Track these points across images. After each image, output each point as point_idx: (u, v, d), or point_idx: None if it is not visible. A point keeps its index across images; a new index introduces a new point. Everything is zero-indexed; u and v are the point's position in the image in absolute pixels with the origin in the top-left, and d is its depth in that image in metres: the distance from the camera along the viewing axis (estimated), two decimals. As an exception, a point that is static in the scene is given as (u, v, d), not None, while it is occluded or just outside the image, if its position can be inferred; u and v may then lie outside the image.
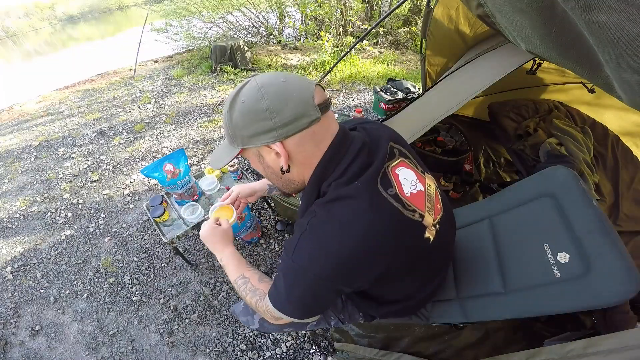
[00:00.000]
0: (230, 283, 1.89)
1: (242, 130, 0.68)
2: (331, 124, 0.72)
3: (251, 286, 0.88)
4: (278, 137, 0.66)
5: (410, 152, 0.84)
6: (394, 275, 0.78)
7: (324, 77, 3.05)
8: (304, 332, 1.68)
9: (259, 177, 2.23)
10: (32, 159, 3.13)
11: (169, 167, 1.68)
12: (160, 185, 2.06)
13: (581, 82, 2.27)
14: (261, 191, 1.20)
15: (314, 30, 5.73)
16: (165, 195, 1.86)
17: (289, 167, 0.71)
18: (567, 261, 0.85)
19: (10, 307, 1.89)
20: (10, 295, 1.95)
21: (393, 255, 0.70)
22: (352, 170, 0.70)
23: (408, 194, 0.73)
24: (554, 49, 0.80)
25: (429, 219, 0.75)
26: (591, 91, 2.12)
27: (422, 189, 0.77)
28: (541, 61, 1.96)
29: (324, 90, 0.75)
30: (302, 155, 0.71)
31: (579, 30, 0.66)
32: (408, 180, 0.75)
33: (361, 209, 0.66)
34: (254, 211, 2.31)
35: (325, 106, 0.69)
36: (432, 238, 0.76)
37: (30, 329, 1.78)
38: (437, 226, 0.79)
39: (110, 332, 1.73)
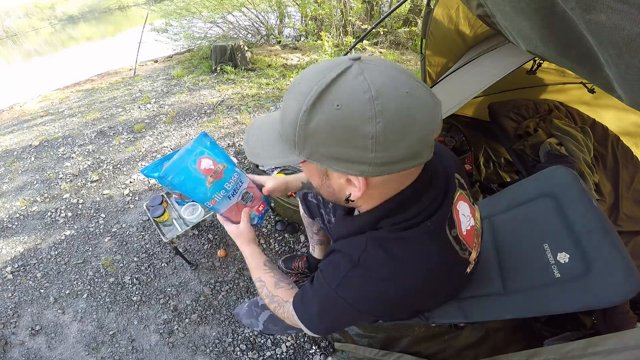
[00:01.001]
0: (230, 283, 1.89)
1: (320, 146, 0.49)
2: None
3: (267, 292, 0.85)
4: (366, 173, 0.49)
5: (465, 181, 0.76)
6: (435, 302, 0.77)
7: (324, 77, 3.04)
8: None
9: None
10: (32, 158, 3.13)
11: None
12: (160, 185, 2.06)
13: (581, 82, 2.27)
14: (294, 188, 1.10)
15: (314, 30, 5.73)
16: (165, 195, 1.86)
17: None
18: (567, 261, 0.85)
19: (10, 307, 1.89)
20: (10, 295, 1.95)
21: (437, 292, 0.68)
22: (422, 215, 0.60)
23: (464, 232, 0.66)
24: (554, 49, 0.80)
25: (473, 256, 0.71)
26: (591, 91, 2.12)
27: (474, 224, 0.71)
28: (541, 61, 1.96)
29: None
30: (377, 192, 0.58)
31: (579, 30, 0.66)
32: (465, 216, 0.68)
33: (425, 253, 0.59)
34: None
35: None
36: (469, 271, 0.72)
37: (30, 329, 1.78)
38: (477, 259, 0.76)
39: (110, 332, 1.73)
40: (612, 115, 2.23)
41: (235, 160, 2.03)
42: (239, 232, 0.94)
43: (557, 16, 0.70)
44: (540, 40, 0.83)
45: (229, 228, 0.96)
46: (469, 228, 0.68)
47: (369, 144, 0.45)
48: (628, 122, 2.19)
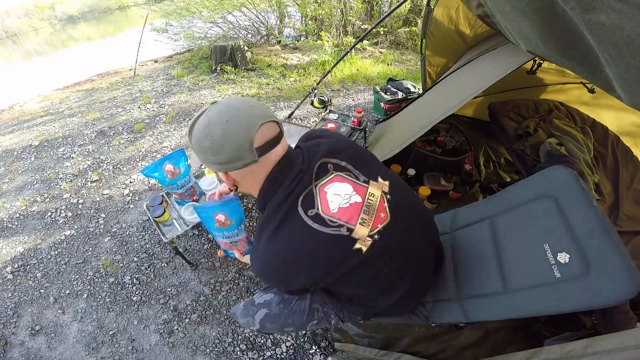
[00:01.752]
0: (230, 283, 1.89)
1: (197, 154, 0.79)
2: (271, 160, 0.78)
3: None
4: (220, 169, 0.78)
5: (355, 161, 0.88)
6: (339, 282, 0.86)
7: (324, 77, 3.04)
8: (304, 332, 1.68)
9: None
10: (32, 158, 3.13)
11: (169, 167, 1.68)
12: (160, 185, 2.06)
13: (581, 82, 2.27)
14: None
15: (314, 30, 5.73)
16: (165, 195, 1.86)
17: (235, 187, 0.87)
18: (567, 261, 0.85)
19: (10, 307, 1.89)
20: (10, 295, 1.95)
21: (313, 267, 0.78)
22: (284, 195, 0.79)
23: (335, 210, 0.78)
24: (554, 49, 0.80)
25: (361, 231, 0.79)
26: (591, 91, 2.12)
27: (360, 200, 0.81)
28: (541, 61, 1.96)
29: (278, 124, 0.80)
30: (245, 182, 0.83)
31: (579, 30, 0.66)
32: (340, 195, 0.80)
33: (283, 233, 0.78)
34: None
35: (268, 147, 0.76)
36: (364, 248, 0.79)
37: (30, 329, 1.78)
38: (376, 235, 0.81)
39: (110, 332, 1.73)
40: (612, 116, 2.23)
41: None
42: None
43: (557, 16, 0.70)
44: (541, 40, 0.83)
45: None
46: (346, 205, 0.79)
47: (209, 152, 0.74)
48: (627, 122, 2.20)
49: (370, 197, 0.83)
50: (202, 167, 1.94)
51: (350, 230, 0.78)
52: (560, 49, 0.79)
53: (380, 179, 0.88)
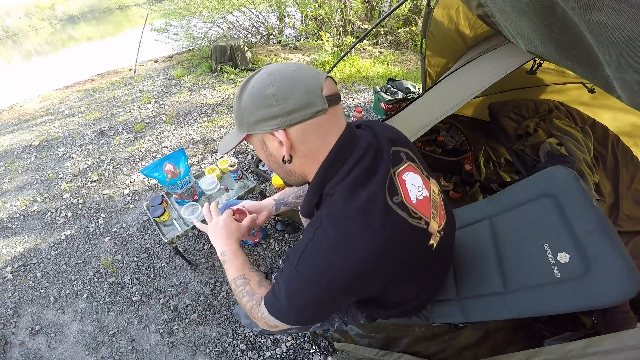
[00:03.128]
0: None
1: (249, 116, 0.68)
2: (339, 119, 0.71)
3: (250, 289, 0.85)
4: (281, 125, 0.66)
5: (417, 156, 0.83)
6: (398, 283, 0.77)
7: (324, 77, 3.05)
8: (304, 332, 1.68)
9: (259, 177, 2.23)
10: (32, 158, 3.13)
11: (169, 167, 1.68)
12: (160, 185, 2.06)
13: (581, 82, 2.27)
14: (269, 207, 1.16)
15: (314, 30, 5.73)
16: (165, 195, 1.86)
17: (290, 157, 0.71)
18: (567, 261, 0.85)
19: (10, 306, 1.89)
20: (10, 295, 1.95)
21: (398, 265, 0.69)
22: (357, 173, 0.69)
23: (414, 201, 0.71)
24: (554, 49, 0.80)
25: (434, 226, 0.74)
26: (591, 91, 2.12)
27: (428, 195, 0.76)
28: (541, 61, 1.96)
29: (336, 83, 0.73)
30: (305, 147, 0.70)
31: (579, 30, 0.66)
32: (415, 186, 0.74)
33: (369, 224, 0.64)
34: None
35: (334, 99, 0.68)
36: (435, 245, 0.75)
37: (30, 329, 1.78)
38: (441, 232, 0.78)
39: (110, 332, 1.73)
40: (611, 116, 2.23)
41: (235, 159, 2.03)
42: (238, 228, 0.99)
43: (557, 16, 0.69)
44: (541, 40, 0.83)
45: (213, 227, 0.98)
46: (421, 198, 0.73)
47: (272, 101, 0.64)
48: (626, 122, 2.19)
49: (433, 193, 0.79)
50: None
51: (427, 224, 0.72)
52: (560, 49, 0.78)
53: (431, 178, 0.84)
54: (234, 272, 0.89)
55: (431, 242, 0.74)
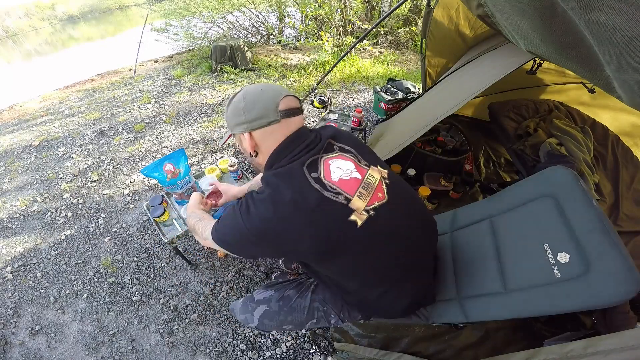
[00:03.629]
0: (230, 283, 1.89)
1: (230, 120, 0.95)
2: (291, 126, 0.91)
3: (192, 212, 1.22)
4: (247, 129, 0.90)
5: (358, 151, 0.96)
6: (317, 249, 0.83)
7: (324, 77, 3.04)
8: (304, 331, 1.68)
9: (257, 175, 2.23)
10: (32, 158, 3.13)
11: (169, 167, 1.68)
12: (160, 185, 2.06)
13: (581, 82, 2.27)
14: (238, 192, 1.49)
15: (314, 30, 5.73)
16: (165, 195, 1.86)
17: (256, 153, 0.95)
18: (567, 261, 0.85)
19: (10, 306, 1.89)
20: (10, 295, 1.95)
21: (311, 226, 0.80)
22: (293, 159, 0.88)
23: (336, 179, 0.85)
24: (554, 49, 0.80)
25: (357, 203, 0.83)
26: (591, 91, 2.12)
27: (359, 177, 0.88)
28: (541, 61, 1.96)
29: (299, 101, 0.96)
30: (264, 146, 0.93)
31: (579, 30, 0.66)
32: (342, 169, 0.88)
33: (284, 185, 0.82)
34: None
35: (289, 112, 0.90)
36: (359, 222, 0.82)
37: (30, 329, 1.78)
38: (372, 212, 0.85)
39: (110, 332, 1.73)
40: (611, 116, 2.23)
41: (235, 159, 2.03)
42: (192, 197, 1.34)
43: (557, 16, 0.70)
44: (541, 40, 0.83)
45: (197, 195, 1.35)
46: (346, 178, 0.86)
47: (242, 112, 0.90)
48: (626, 122, 2.19)
49: (369, 177, 0.90)
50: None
51: (348, 200, 0.83)
52: (560, 49, 0.79)
53: (379, 167, 0.96)
54: (189, 210, 1.26)
55: (353, 217, 0.82)
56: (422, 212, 1.06)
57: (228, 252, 0.96)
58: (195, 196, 1.34)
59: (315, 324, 1.18)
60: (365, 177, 0.90)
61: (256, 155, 0.96)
